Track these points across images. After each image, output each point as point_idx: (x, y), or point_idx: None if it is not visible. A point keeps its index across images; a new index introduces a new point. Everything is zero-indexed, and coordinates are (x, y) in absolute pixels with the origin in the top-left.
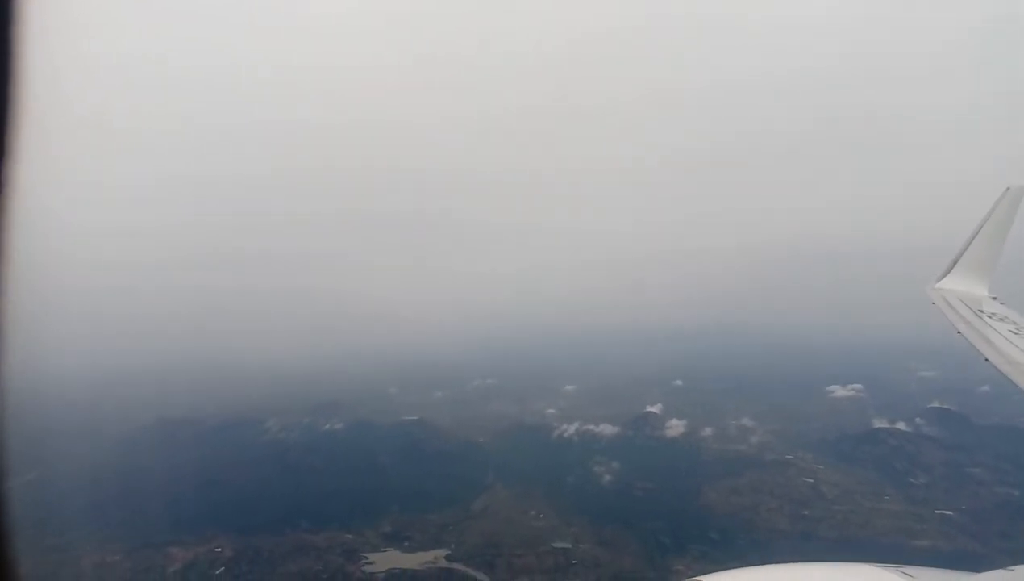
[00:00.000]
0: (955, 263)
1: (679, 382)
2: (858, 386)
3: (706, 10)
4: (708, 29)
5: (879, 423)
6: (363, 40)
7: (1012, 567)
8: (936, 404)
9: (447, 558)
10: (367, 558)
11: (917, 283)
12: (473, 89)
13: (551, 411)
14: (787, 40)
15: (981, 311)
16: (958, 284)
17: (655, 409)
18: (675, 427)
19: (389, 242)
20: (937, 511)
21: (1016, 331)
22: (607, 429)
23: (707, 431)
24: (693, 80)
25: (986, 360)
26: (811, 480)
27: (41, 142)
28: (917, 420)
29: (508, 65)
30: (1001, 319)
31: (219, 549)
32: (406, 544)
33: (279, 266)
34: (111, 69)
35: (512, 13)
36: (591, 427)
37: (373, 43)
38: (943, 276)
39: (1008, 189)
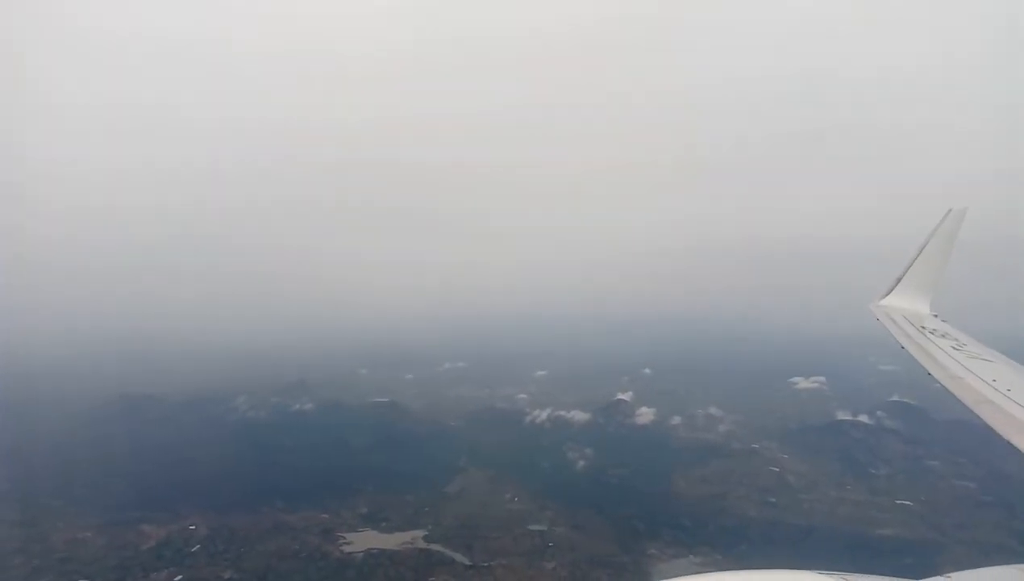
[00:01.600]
0: (898, 281)
1: (648, 370)
2: (821, 378)
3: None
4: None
5: (842, 415)
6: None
7: (949, 574)
8: (896, 398)
9: (425, 539)
10: (345, 538)
11: (882, 277)
12: (458, 83)
13: (522, 396)
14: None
15: (923, 328)
16: (901, 302)
17: (625, 397)
18: (645, 415)
19: (360, 225)
20: (898, 501)
21: (957, 347)
22: (578, 415)
23: (676, 420)
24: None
25: (929, 374)
26: (777, 469)
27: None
28: (878, 413)
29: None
30: (943, 336)
31: (193, 527)
32: (383, 525)
33: (250, 245)
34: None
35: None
36: (563, 413)
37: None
38: (887, 294)
39: (950, 211)
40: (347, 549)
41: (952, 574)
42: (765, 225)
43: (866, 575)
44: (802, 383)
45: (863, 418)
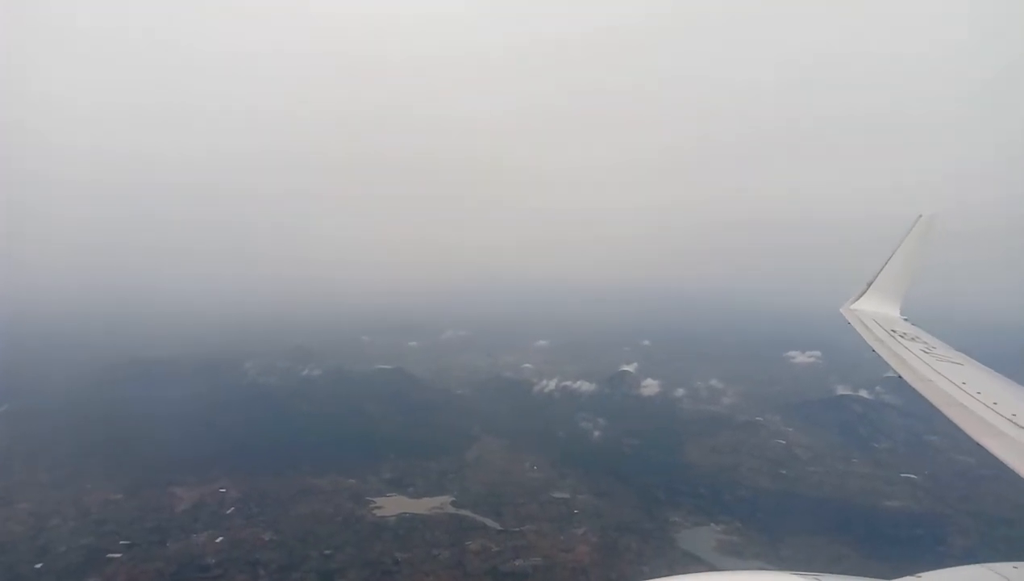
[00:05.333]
0: (869, 286)
1: (647, 342)
2: (816, 353)
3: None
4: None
5: (842, 390)
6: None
7: (919, 574)
8: (891, 373)
9: (453, 505)
10: (375, 502)
11: (874, 253)
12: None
13: (527, 365)
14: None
15: (894, 331)
16: (871, 305)
17: (630, 368)
18: (650, 386)
19: (363, 188)
20: (902, 474)
21: (927, 351)
22: (585, 386)
23: (680, 391)
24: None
25: (899, 377)
26: (783, 442)
27: None
28: (877, 388)
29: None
30: (913, 339)
31: (223, 490)
32: (410, 490)
33: (256, 224)
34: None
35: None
36: (569, 383)
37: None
38: (858, 297)
39: (920, 217)
40: (379, 513)
41: (923, 574)
42: (760, 208)
43: (840, 576)
44: (799, 357)
45: (863, 393)
